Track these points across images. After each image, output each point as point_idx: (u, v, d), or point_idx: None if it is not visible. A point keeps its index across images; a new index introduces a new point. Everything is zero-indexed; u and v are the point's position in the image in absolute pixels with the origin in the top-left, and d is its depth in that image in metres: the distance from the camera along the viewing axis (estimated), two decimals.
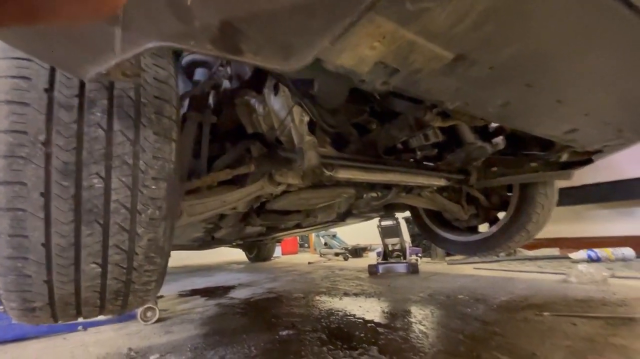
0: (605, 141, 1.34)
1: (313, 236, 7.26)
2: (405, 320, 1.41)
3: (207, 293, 2.71)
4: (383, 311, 1.61)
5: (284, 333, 1.33)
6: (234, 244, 4.59)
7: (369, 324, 1.38)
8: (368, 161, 1.40)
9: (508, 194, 2.21)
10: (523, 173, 1.80)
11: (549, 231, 3.65)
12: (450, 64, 0.64)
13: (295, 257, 6.81)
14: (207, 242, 3.17)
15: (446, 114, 1.10)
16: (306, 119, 1.11)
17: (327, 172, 1.27)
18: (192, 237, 2.60)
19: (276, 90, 1.17)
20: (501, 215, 2.20)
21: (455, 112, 0.99)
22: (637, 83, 0.88)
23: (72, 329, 1.58)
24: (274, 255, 6.47)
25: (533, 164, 1.77)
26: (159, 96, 0.76)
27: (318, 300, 2.01)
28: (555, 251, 3.52)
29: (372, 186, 1.96)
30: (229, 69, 1.34)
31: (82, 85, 0.67)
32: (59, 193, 0.64)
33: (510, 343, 1.09)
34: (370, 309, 1.66)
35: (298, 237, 8.53)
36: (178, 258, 6.48)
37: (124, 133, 0.70)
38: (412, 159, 1.61)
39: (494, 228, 2.19)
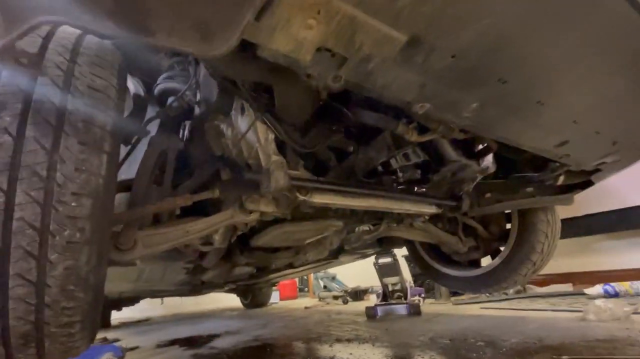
0: (600, 157, 1.25)
1: (312, 279, 6.90)
2: None
3: (188, 342, 2.45)
4: None
5: None
6: (226, 289, 4.32)
7: None
8: (347, 185, 1.29)
9: (508, 223, 2.07)
10: (519, 198, 1.68)
11: (559, 265, 3.42)
12: (405, 51, 0.56)
13: (294, 302, 6.39)
14: (197, 286, 2.95)
15: (422, 128, 1.02)
16: (271, 136, 1.03)
17: (301, 197, 1.16)
18: (176, 281, 2.41)
19: (242, 111, 1.11)
20: (503, 246, 2.04)
21: (429, 121, 0.91)
22: (630, 82, 0.81)
23: None
24: (272, 301, 6.07)
25: (529, 189, 1.66)
26: (90, 104, 0.68)
27: (305, 347, 1.78)
28: (568, 287, 3.24)
29: (361, 218, 1.83)
30: (198, 94, 1.30)
31: None
32: None
33: None
34: (361, 357, 1.44)
35: (297, 282, 8.11)
36: (169, 306, 6.09)
37: (39, 140, 0.61)
38: (397, 184, 1.51)
39: (497, 260, 2.01)
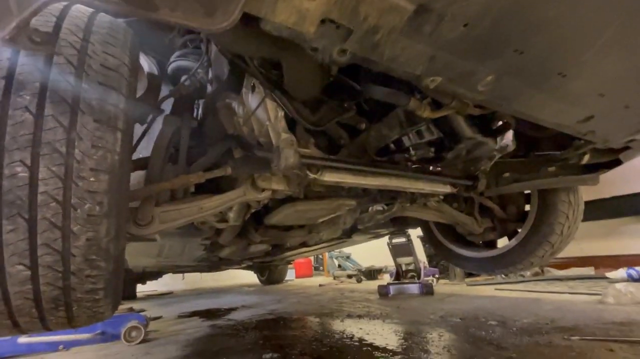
0: (629, 133, 1.17)
1: (327, 258, 7.05)
2: (408, 343, 1.23)
3: (207, 314, 2.59)
4: (384, 334, 1.43)
5: (268, 355, 1.18)
6: (243, 266, 4.49)
7: (365, 348, 1.21)
8: (359, 163, 1.28)
9: (527, 204, 2.01)
10: (540, 178, 1.61)
11: (582, 248, 3.32)
12: (413, 20, 0.54)
13: (309, 280, 6.58)
14: (215, 263, 3.08)
15: (436, 104, 0.98)
16: (281, 114, 1.03)
17: (311, 175, 1.17)
18: (195, 257, 2.52)
19: (253, 88, 1.10)
20: (521, 228, 1.99)
21: (441, 96, 0.88)
22: None
23: (53, 348, 1.50)
24: (287, 278, 6.29)
25: (551, 168, 1.59)
26: (104, 82, 0.70)
27: (317, 322, 1.85)
28: (589, 271, 3.16)
29: (374, 198, 1.83)
30: (210, 72, 1.30)
31: (11, 67, 0.62)
32: None
33: None
34: (370, 332, 1.49)
35: (312, 260, 8.31)
36: (190, 281, 6.43)
37: (57, 118, 0.63)
38: (410, 163, 1.48)
39: (513, 242, 1.97)
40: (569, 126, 1.05)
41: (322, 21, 0.53)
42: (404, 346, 1.20)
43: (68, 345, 1.53)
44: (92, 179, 0.66)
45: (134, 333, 1.59)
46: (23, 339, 1.47)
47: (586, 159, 1.46)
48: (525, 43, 0.64)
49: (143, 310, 3.05)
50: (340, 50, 0.59)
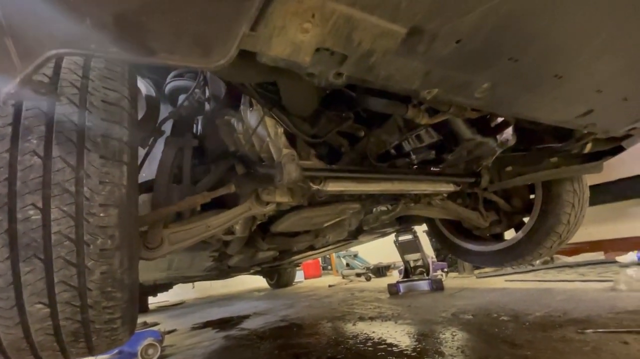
0: (630, 122, 1.17)
1: (334, 257, 7.06)
2: (422, 345, 1.24)
3: (220, 324, 2.61)
4: (398, 336, 1.44)
5: None
6: (252, 271, 4.52)
7: (380, 353, 1.22)
8: (361, 171, 1.29)
9: (532, 195, 2.01)
10: (543, 170, 1.61)
11: (590, 233, 3.30)
12: (406, 42, 0.55)
13: (318, 280, 6.60)
14: (224, 271, 3.11)
15: (433, 110, 0.99)
16: (281, 130, 1.04)
17: (314, 186, 1.18)
18: (204, 267, 2.54)
19: (251, 105, 1.12)
20: (527, 219, 1.99)
21: (438, 104, 0.88)
22: None
23: None
24: (296, 280, 6.31)
25: (553, 160, 1.59)
26: (106, 118, 0.72)
27: (330, 327, 1.86)
28: (599, 256, 3.15)
29: (377, 200, 1.84)
30: (207, 91, 1.31)
31: (17, 113, 0.64)
32: None
33: None
34: (384, 335, 1.50)
35: (320, 260, 8.33)
36: (200, 289, 6.48)
37: (64, 159, 0.65)
38: (412, 165, 1.49)
39: (520, 234, 1.97)
40: (569, 121, 1.06)
41: (317, 50, 0.53)
42: (419, 349, 1.22)
43: None
44: (102, 214, 0.68)
45: (150, 351, 1.61)
46: None
47: (588, 148, 1.46)
48: (520, 52, 0.64)
49: (156, 323, 3.08)
50: (336, 74, 0.60)
